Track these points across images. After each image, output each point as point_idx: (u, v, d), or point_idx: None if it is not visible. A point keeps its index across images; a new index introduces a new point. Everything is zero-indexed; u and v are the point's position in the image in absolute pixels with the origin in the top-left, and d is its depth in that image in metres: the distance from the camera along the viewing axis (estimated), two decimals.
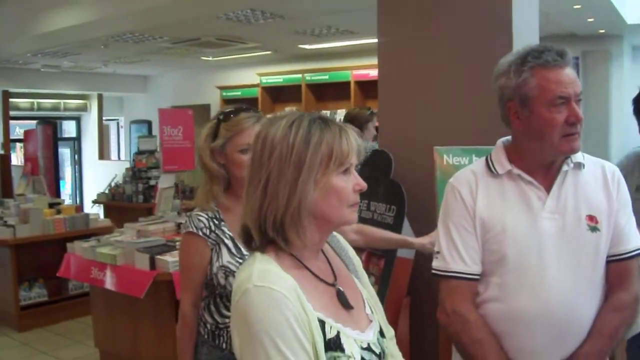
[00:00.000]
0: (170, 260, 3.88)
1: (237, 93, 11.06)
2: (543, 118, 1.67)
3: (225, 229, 2.13)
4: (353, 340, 1.32)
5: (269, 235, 1.30)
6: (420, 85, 3.19)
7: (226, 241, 2.11)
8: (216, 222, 2.12)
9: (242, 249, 2.11)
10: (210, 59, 10.38)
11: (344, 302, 1.38)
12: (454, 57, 3.10)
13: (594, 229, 1.72)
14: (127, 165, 9.64)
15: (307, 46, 9.03)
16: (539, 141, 1.71)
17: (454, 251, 1.77)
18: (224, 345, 2.10)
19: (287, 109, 10.54)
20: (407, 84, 3.25)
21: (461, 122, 3.01)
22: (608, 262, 1.75)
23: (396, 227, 2.96)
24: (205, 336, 2.14)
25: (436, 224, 2.67)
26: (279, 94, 10.57)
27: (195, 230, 2.10)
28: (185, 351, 2.14)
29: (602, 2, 5.97)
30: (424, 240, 2.53)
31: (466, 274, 1.76)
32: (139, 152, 9.02)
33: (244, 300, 1.22)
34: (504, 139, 1.89)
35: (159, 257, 3.96)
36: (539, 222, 1.72)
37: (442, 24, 3.12)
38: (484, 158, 1.87)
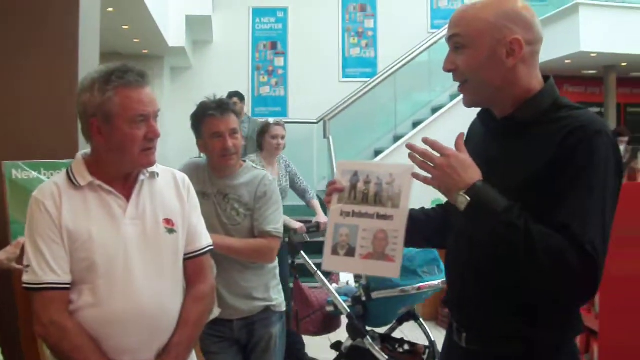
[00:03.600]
0: None
1: None
2: (124, 134, 1.82)
3: None
4: None
5: None
6: None
7: None
8: None
9: None
10: None
11: None
12: (24, 71, 3.03)
13: (171, 231, 1.94)
14: None
15: None
16: (120, 155, 1.85)
17: (44, 263, 1.78)
18: None
19: None
20: None
21: (28, 136, 2.97)
22: (185, 259, 2.00)
23: None
24: None
25: (9, 239, 2.60)
26: None
27: None
28: None
29: (149, 25, 6.42)
30: (1, 257, 2.40)
31: (58, 284, 1.78)
32: None
33: None
34: (82, 152, 1.97)
35: None
36: (122, 228, 1.86)
37: (12, 35, 3.03)
38: (65, 171, 1.92)
